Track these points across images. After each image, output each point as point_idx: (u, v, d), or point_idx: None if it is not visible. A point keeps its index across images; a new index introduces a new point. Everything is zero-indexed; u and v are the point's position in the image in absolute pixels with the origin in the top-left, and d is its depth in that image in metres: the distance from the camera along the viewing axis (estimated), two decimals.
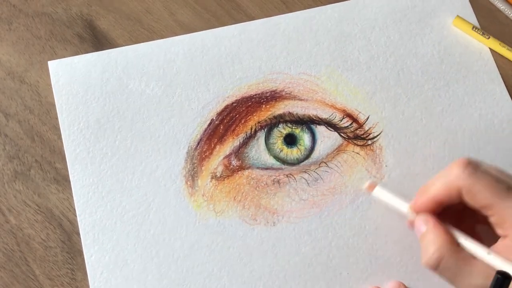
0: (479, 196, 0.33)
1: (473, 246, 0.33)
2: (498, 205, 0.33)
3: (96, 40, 0.44)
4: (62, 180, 0.41)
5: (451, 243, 0.34)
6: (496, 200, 0.33)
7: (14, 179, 0.41)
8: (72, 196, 0.40)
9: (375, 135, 0.43)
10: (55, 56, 0.44)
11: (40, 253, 0.39)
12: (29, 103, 0.43)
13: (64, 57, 0.44)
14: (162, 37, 0.45)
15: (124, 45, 0.44)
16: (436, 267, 0.33)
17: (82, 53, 0.44)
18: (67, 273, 0.39)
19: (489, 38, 0.45)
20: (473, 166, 0.34)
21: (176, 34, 0.45)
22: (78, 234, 0.40)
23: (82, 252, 0.39)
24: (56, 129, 0.42)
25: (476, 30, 0.45)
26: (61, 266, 0.39)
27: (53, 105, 0.42)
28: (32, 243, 0.40)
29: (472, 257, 0.33)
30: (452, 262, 0.33)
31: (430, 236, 0.34)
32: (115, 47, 0.44)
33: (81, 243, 0.39)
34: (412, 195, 0.41)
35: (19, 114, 0.42)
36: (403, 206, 0.37)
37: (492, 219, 0.33)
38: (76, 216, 0.40)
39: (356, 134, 0.43)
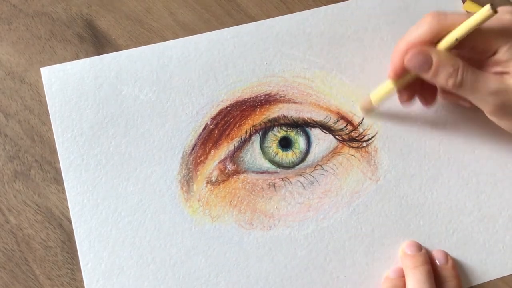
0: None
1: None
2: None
3: (96, 40, 0.44)
4: (62, 180, 0.41)
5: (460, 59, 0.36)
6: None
7: (14, 179, 0.41)
8: None
9: (370, 137, 0.43)
10: (55, 56, 0.43)
11: (40, 253, 0.39)
12: (29, 103, 0.42)
13: (64, 57, 0.44)
14: (162, 37, 0.44)
15: (124, 45, 0.44)
16: (462, 81, 0.36)
17: (82, 53, 0.44)
18: (67, 273, 0.39)
19: None
20: (442, 11, 0.37)
21: (176, 34, 0.45)
22: None
23: None
24: None
25: None
26: (61, 266, 0.39)
27: None
28: (32, 243, 0.40)
29: (480, 70, 0.36)
30: (470, 74, 0.36)
31: (443, 57, 0.36)
32: (115, 47, 0.44)
33: None
34: (408, 197, 0.42)
35: (19, 114, 0.42)
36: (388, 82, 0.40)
37: (479, 46, 0.36)
38: None
39: (351, 136, 0.43)
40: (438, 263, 0.39)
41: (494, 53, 0.36)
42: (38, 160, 0.41)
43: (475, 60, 0.37)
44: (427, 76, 0.37)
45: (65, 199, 0.40)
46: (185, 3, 0.46)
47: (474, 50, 0.37)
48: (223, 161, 0.41)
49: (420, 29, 0.37)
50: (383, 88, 0.40)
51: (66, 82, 0.43)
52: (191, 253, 0.39)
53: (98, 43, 0.44)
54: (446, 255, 0.40)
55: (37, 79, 0.43)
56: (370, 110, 0.43)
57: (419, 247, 0.40)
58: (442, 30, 0.36)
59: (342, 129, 0.43)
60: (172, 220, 0.40)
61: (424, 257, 0.39)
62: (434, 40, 0.37)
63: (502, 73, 0.36)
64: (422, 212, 0.41)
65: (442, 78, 0.36)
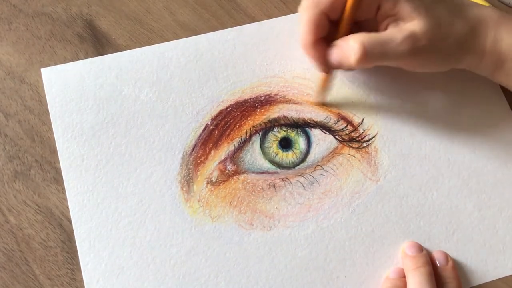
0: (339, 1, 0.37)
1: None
2: None
3: (96, 40, 0.44)
4: (62, 180, 0.41)
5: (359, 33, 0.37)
6: None
7: (14, 179, 0.41)
8: None
9: (370, 137, 0.43)
10: (55, 56, 0.44)
11: (40, 253, 0.39)
12: (29, 103, 0.42)
13: (64, 57, 0.44)
14: (162, 37, 0.44)
15: (124, 45, 0.44)
16: (365, 53, 0.36)
17: (82, 53, 0.44)
18: (67, 273, 0.39)
19: None
20: None
21: (176, 34, 0.45)
22: None
23: None
24: None
25: None
26: (61, 266, 0.39)
27: None
28: (32, 243, 0.39)
29: (380, 32, 0.37)
30: (371, 39, 0.37)
31: (342, 43, 0.38)
32: (115, 47, 0.44)
33: None
34: (408, 197, 0.42)
35: (19, 114, 0.42)
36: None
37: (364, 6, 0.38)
38: None
39: (351, 136, 0.43)
40: (438, 264, 0.39)
41: (379, 8, 0.38)
42: (38, 160, 0.41)
43: (371, 23, 0.39)
44: (350, 66, 0.38)
45: (65, 199, 0.40)
46: (185, 3, 0.46)
47: (364, 15, 0.39)
48: (223, 161, 0.41)
49: (309, 28, 0.38)
50: (322, 84, 0.41)
51: (66, 83, 0.43)
52: (191, 253, 0.39)
53: (98, 43, 0.44)
54: (446, 256, 0.40)
55: (37, 79, 0.43)
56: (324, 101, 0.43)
57: (420, 248, 0.40)
58: (327, 10, 0.38)
59: (342, 129, 0.43)
60: (172, 220, 0.40)
61: (425, 258, 0.39)
62: (325, 21, 0.38)
63: (395, 21, 0.38)
64: (422, 213, 0.41)
65: (350, 59, 0.37)
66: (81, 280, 0.39)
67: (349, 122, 0.43)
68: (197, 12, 0.46)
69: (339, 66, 0.38)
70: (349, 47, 0.37)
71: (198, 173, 0.41)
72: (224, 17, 0.46)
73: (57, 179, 0.41)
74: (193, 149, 0.42)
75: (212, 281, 0.39)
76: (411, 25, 0.37)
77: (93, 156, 0.41)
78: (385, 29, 0.38)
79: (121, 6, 0.46)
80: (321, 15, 0.38)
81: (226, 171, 0.41)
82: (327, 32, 0.39)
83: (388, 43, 0.37)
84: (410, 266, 0.39)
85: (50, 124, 0.42)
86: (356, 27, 0.39)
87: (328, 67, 0.39)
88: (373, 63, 0.38)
